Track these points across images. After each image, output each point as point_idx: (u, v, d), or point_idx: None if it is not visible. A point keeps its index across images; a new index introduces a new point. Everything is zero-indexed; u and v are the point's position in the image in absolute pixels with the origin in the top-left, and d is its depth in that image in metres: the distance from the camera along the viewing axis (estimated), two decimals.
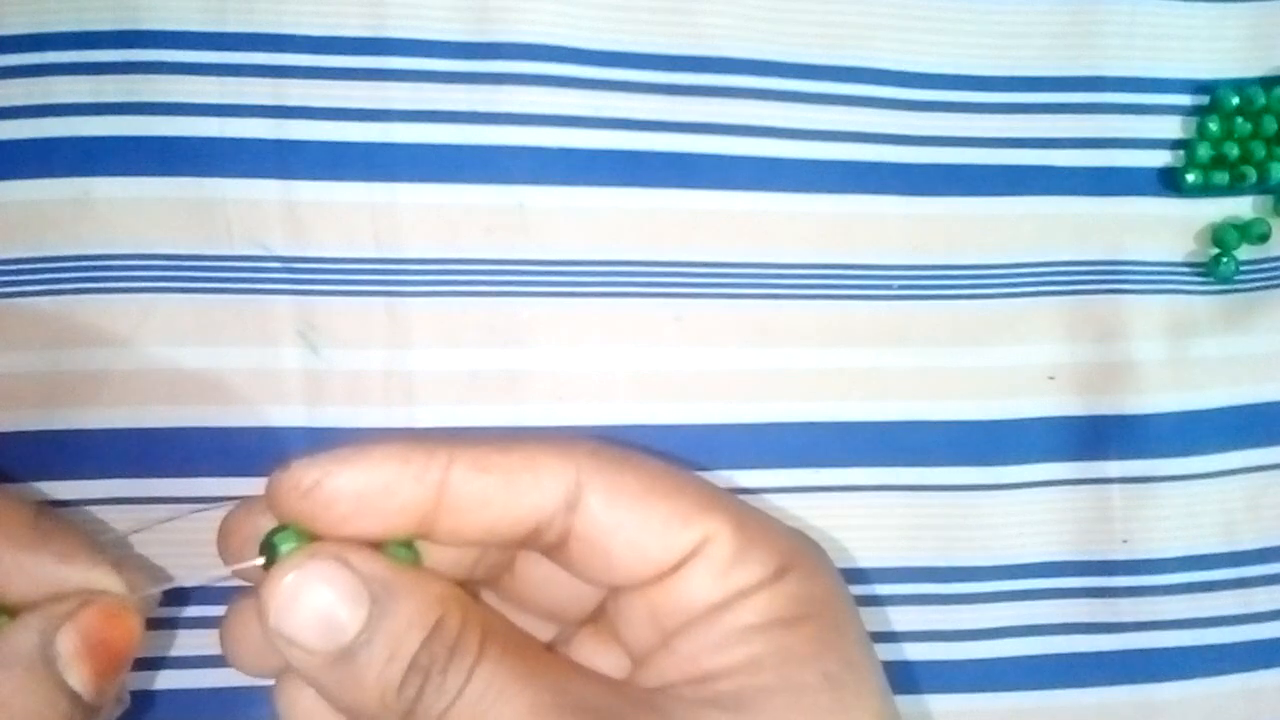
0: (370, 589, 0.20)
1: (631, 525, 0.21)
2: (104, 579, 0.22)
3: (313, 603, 0.20)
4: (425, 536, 0.21)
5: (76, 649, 0.21)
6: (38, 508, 0.24)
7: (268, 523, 0.21)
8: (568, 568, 0.22)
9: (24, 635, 0.21)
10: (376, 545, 0.21)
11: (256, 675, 0.23)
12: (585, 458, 0.22)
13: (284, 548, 0.20)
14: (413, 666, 0.20)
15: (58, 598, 0.22)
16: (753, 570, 0.21)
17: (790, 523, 0.29)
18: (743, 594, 0.21)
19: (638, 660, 0.23)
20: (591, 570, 0.22)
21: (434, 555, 0.22)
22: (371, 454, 0.21)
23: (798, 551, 0.22)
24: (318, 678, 0.20)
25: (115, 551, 0.24)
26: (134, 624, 0.22)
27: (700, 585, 0.21)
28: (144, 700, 0.27)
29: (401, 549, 0.21)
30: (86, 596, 0.22)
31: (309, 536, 0.21)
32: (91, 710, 0.21)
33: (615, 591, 0.23)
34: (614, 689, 0.21)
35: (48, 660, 0.21)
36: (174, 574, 0.27)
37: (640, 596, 0.22)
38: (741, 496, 0.29)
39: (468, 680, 0.20)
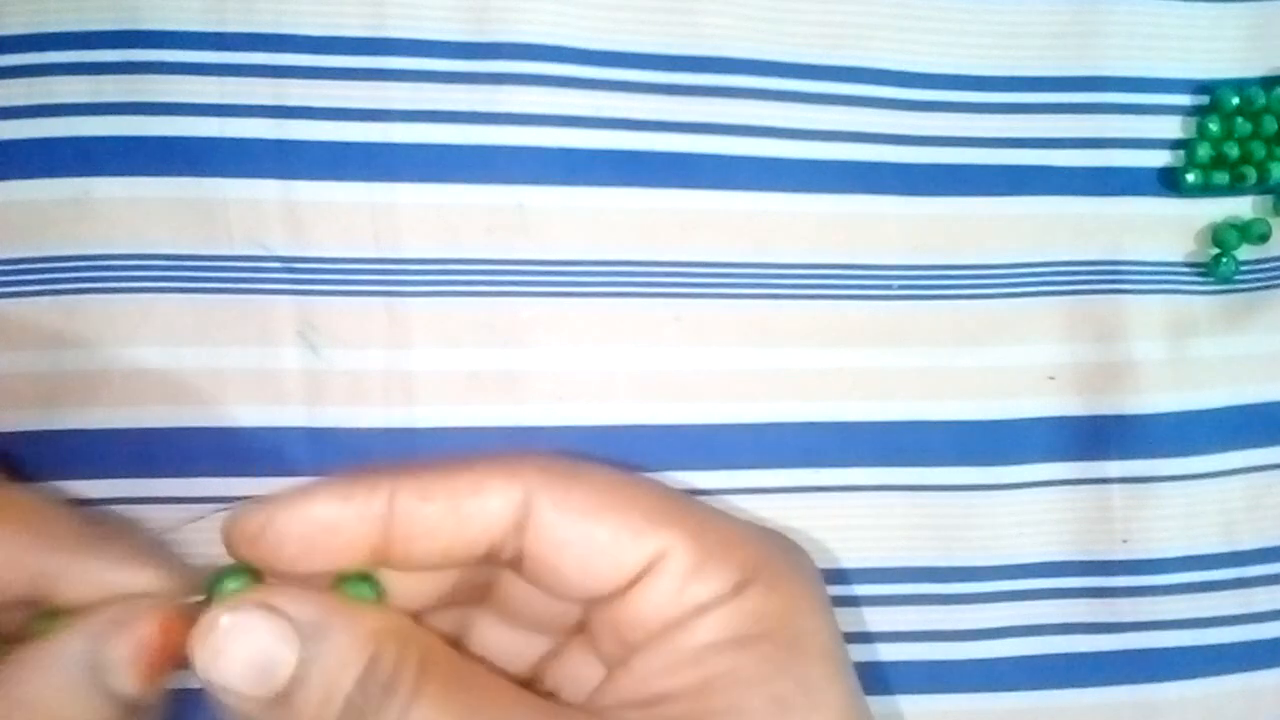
0: (301, 631, 0.20)
1: (580, 542, 0.21)
2: (151, 581, 0.22)
3: (243, 650, 0.20)
4: (382, 566, 0.21)
5: (124, 657, 0.21)
6: (81, 511, 0.24)
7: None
8: (533, 583, 0.22)
9: (74, 640, 0.21)
10: (336, 581, 0.21)
11: None
12: (534, 475, 0.22)
13: (230, 586, 0.21)
14: (347, 706, 0.20)
15: (108, 601, 0.22)
16: (711, 585, 0.21)
17: (790, 523, 0.29)
18: (701, 610, 0.21)
19: (612, 670, 0.22)
20: (551, 587, 0.22)
21: (405, 583, 0.22)
22: (313, 495, 0.21)
23: (762, 562, 0.22)
24: (261, 718, 0.20)
25: (159, 552, 0.24)
26: (184, 627, 0.22)
27: (657, 600, 0.21)
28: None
29: (360, 584, 0.21)
30: (136, 602, 0.22)
31: (257, 575, 0.21)
32: (137, 708, 0.22)
33: (588, 604, 0.23)
34: (565, 715, 0.21)
35: (96, 667, 0.21)
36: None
37: (605, 610, 0.22)
38: (739, 497, 0.29)
39: (406, 717, 0.20)
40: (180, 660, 0.22)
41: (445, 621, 0.24)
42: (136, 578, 0.22)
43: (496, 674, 0.22)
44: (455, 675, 0.21)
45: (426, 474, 0.22)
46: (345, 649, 0.20)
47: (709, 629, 0.21)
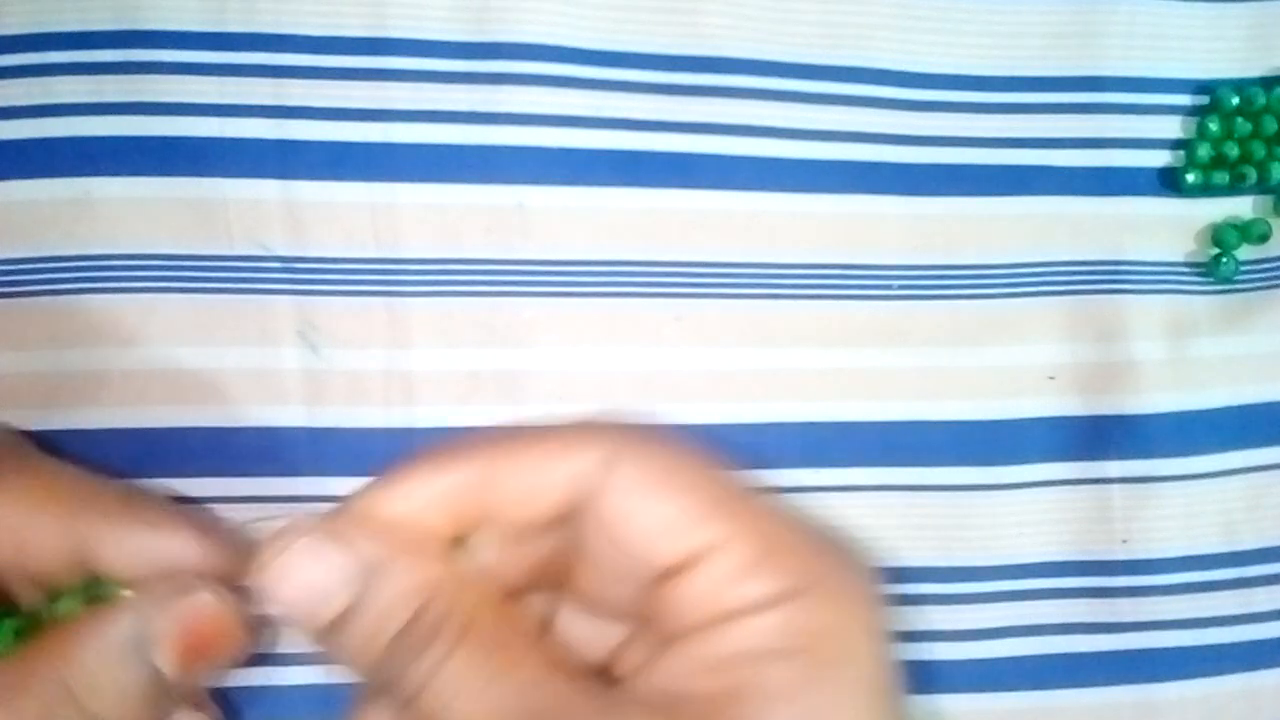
0: (362, 568, 0.21)
1: (643, 515, 0.21)
2: (194, 551, 0.23)
3: (306, 575, 0.21)
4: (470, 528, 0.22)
5: (169, 636, 0.22)
6: (122, 483, 0.25)
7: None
8: (590, 554, 0.22)
9: (123, 617, 0.22)
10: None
11: None
12: (614, 444, 0.22)
13: None
14: (393, 645, 0.20)
15: (163, 577, 0.23)
16: (761, 586, 0.21)
17: None
18: (745, 612, 0.21)
19: (653, 655, 0.22)
20: (608, 557, 0.22)
21: (488, 558, 0.23)
22: (410, 477, 0.22)
23: (821, 575, 0.22)
24: (314, 639, 0.21)
25: (203, 524, 0.25)
26: (229, 621, 0.23)
27: (701, 592, 0.21)
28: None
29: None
30: (185, 582, 0.23)
31: None
32: (179, 686, 0.23)
33: (642, 587, 0.22)
34: (586, 695, 0.21)
35: (140, 640, 0.22)
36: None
37: (653, 596, 0.22)
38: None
39: (440, 668, 0.20)
40: (227, 647, 0.23)
41: (533, 607, 0.24)
42: (178, 547, 0.23)
43: (543, 648, 0.22)
44: (496, 639, 0.21)
45: (517, 438, 0.22)
46: (398, 594, 0.21)
47: (749, 635, 0.21)
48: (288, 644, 0.28)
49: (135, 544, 0.23)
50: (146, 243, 0.27)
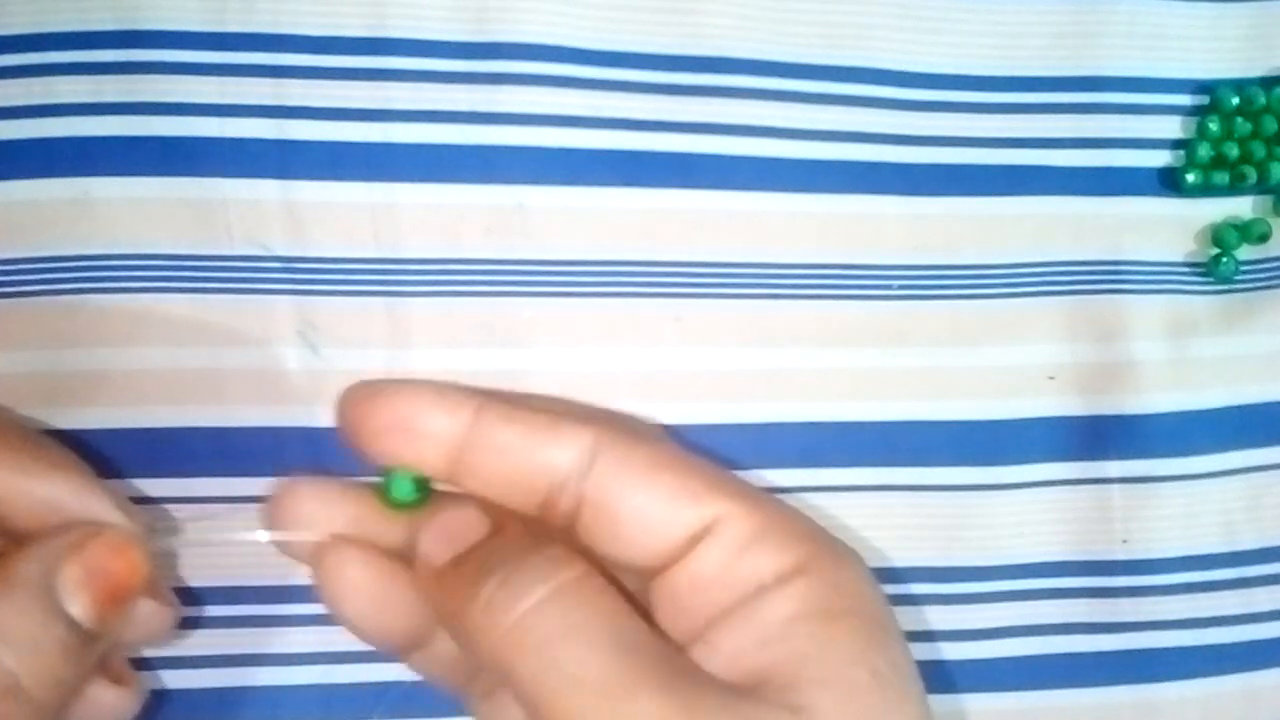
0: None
1: (638, 496, 0.21)
2: (108, 511, 0.23)
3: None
4: (449, 478, 0.22)
5: (78, 579, 0.21)
6: (51, 440, 0.24)
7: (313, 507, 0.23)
8: (589, 545, 0.22)
9: (28, 564, 0.21)
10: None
11: (297, 550, 0.23)
12: (603, 427, 0.22)
13: (403, 486, 0.22)
14: (503, 561, 0.20)
15: (63, 527, 0.22)
16: (774, 556, 0.21)
17: None
18: (773, 581, 0.21)
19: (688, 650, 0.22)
20: (605, 544, 0.22)
21: None
22: (415, 383, 0.22)
23: (823, 545, 0.22)
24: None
25: (120, 492, 0.25)
26: (138, 557, 0.22)
27: (712, 567, 0.21)
28: (147, 700, 0.27)
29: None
30: (92, 528, 0.22)
31: (425, 483, 0.22)
32: (93, 638, 0.22)
33: (649, 581, 0.22)
34: (679, 664, 0.21)
35: (49, 589, 0.21)
36: (187, 577, 0.27)
37: (664, 582, 0.22)
38: None
39: (553, 594, 0.20)
40: (138, 592, 0.22)
41: None
42: (93, 505, 0.23)
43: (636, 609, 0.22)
44: (609, 590, 0.21)
45: (512, 401, 0.22)
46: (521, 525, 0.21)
47: (786, 601, 0.21)
48: (287, 644, 0.28)
49: (47, 501, 0.23)
50: (146, 243, 0.27)
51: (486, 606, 0.20)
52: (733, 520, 0.21)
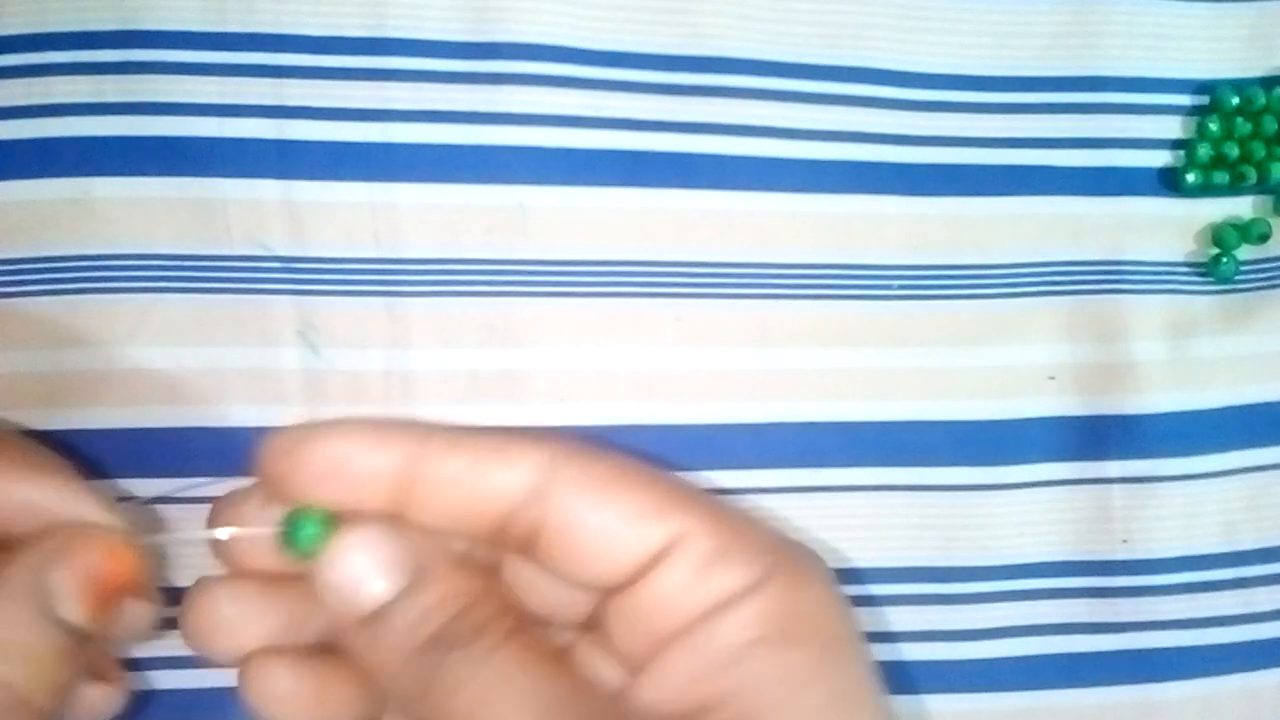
0: (415, 562, 0.21)
1: (600, 515, 0.21)
2: (95, 511, 0.23)
3: (361, 560, 0.21)
4: (399, 513, 0.22)
5: (70, 582, 0.21)
6: (33, 442, 0.24)
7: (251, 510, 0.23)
8: (546, 566, 0.22)
9: (17, 572, 0.21)
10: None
11: (219, 657, 0.24)
12: (555, 449, 0.22)
13: (308, 526, 0.21)
14: (438, 636, 0.20)
15: (50, 531, 0.22)
16: (735, 573, 0.21)
17: (791, 524, 0.29)
18: (727, 603, 0.21)
19: (634, 672, 0.22)
20: (565, 565, 0.22)
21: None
22: (348, 426, 0.22)
23: (783, 559, 0.22)
24: (351, 632, 0.21)
25: (109, 494, 0.25)
26: (129, 556, 0.22)
27: (674, 587, 0.21)
28: (144, 700, 0.27)
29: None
30: (79, 530, 0.22)
31: (333, 518, 0.22)
32: (88, 639, 0.22)
33: (604, 596, 0.23)
34: (615, 711, 0.21)
35: (41, 595, 0.21)
36: (175, 576, 0.27)
37: (622, 601, 0.22)
38: (739, 497, 0.29)
39: (485, 662, 0.20)
40: (129, 591, 0.22)
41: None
42: (82, 508, 0.23)
43: (570, 665, 0.22)
44: (536, 648, 0.21)
45: (455, 431, 0.22)
46: (450, 588, 0.21)
47: (746, 622, 0.21)
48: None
49: (36, 505, 0.22)
50: (146, 243, 0.27)
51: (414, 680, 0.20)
52: (695, 537, 0.21)
